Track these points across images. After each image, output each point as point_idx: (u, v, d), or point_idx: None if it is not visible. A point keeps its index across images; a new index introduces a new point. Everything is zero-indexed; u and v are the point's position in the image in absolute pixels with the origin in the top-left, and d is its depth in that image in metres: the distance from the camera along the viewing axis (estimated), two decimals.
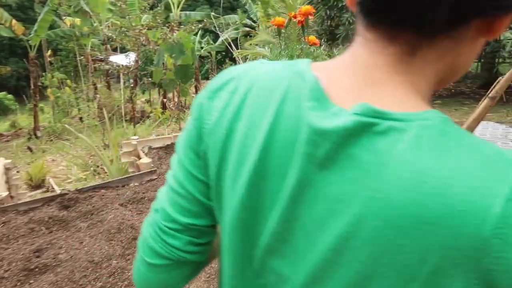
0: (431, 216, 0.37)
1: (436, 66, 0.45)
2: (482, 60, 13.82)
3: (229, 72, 0.56)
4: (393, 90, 0.44)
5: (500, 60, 13.19)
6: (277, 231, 0.47)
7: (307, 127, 0.43)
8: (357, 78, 0.45)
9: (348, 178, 0.41)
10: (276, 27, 2.79)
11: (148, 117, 9.43)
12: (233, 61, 14.67)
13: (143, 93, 12.29)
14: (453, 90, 12.75)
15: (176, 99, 10.06)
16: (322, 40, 8.35)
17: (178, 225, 0.56)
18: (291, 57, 2.60)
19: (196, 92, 12.24)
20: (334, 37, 8.09)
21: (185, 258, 0.58)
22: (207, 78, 15.29)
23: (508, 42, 9.19)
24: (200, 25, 10.48)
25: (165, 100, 10.10)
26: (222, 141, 0.51)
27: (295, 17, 2.70)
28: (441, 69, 0.46)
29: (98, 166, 5.73)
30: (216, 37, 13.63)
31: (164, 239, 0.57)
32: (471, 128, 0.85)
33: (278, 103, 0.47)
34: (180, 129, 7.95)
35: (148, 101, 11.11)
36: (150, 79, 9.79)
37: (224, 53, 13.98)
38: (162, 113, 8.68)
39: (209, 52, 13.44)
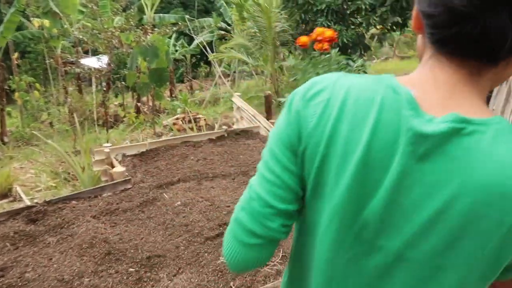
0: (509, 191, 0.53)
1: (492, 80, 0.61)
2: None
3: (316, 83, 0.67)
4: (468, 101, 0.59)
5: None
6: (378, 211, 0.60)
7: (408, 130, 0.57)
8: (439, 92, 0.60)
9: (442, 168, 0.56)
10: (300, 46, 3.01)
11: (122, 121, 9.19)
12: (208, 64, 14.55)
13: (116, 96, 12.00)
14: None
15: (150, 103, 9.85)
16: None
17: (275, 210, 0.68)
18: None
19: (171, 95, 12.04)
20: None
21: (278, 237, 0.71)
22: (182, 82, 15.10)
23: None
24: (174, 28, 10.32)
25: (139, 104, 9.88)
26: (326, 140, 0.62)
27: (316, 39, 3.00)
28: (494, 81, 0.62)
29: (69, 174, 5.51)
30: (190, 40, 13.48)
31: (263, 222, 0.69)
32: None
33: (377, 111, 0.60)
34: (155, 133, 7.77)
35: (121, 105, 10.84)
36: (123, 82, 9.57)
37: (199, 56, 13.84)
38: (136, 117, 8.48)
39: (184, 55, 13.29)
